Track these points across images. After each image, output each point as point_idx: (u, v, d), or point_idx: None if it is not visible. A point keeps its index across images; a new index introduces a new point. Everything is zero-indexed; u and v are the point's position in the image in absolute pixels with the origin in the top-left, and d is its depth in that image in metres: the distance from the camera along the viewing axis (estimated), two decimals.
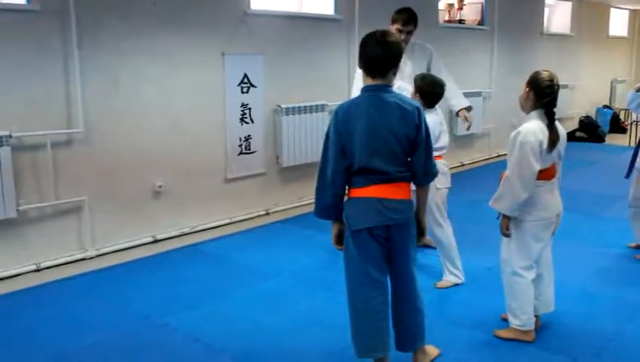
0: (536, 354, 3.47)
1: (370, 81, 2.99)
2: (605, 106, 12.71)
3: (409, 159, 3.02)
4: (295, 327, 3.85)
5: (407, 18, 5.04)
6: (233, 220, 6.11)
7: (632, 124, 11.54)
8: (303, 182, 6.79)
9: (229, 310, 4.10)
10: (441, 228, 4.44)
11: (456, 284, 4.45)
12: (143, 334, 3.76)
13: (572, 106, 11.46)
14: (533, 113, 3.46)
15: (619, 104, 13.07)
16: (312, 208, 6.42)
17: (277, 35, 6.35)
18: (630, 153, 5.24)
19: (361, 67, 3.04)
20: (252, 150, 6.24)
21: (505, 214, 3.48)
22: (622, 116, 12.86)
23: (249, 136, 6.19)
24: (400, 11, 5.08)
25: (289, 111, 6.44)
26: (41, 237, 4.80)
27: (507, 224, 3.52)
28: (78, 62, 4.79)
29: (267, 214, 6.42)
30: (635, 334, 3.72)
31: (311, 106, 6.64)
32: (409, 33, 5.08)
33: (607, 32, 13.02)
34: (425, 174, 3.06)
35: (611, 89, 13.23)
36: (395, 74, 3.01)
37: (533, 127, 3.40)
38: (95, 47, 4.92)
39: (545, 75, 3.45)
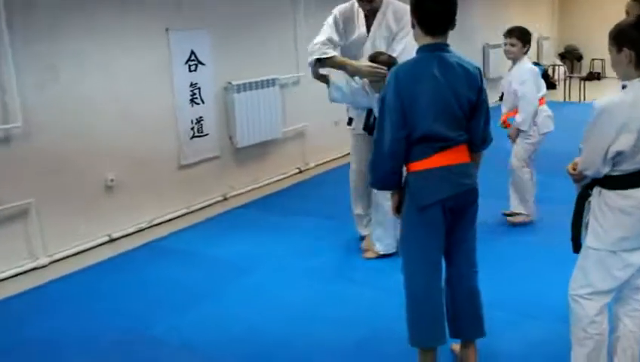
0: (560, 332, 3.26)
1: (430, 40, 2.72)
2: (534, 63, 12.84)
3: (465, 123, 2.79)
4: (295, 326, 3.52)
5: None
6: (191, 209, 5.67)
7: (565, 79, 11.76)
8: (258, 163, 6.45)
9: (217, 313, 3.72)
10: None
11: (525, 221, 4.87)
12: (131, 350, 3.32)
13: (507, 65, 11.48)
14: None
15: (546, 61, 13.28)
16: (269, 190, 6.29)
17: (222, 7, 5.87)
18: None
19: (417, 25, 2.74)
20: (204, 132, 5.78)
21: None
22: (550, 72, 13.07)
23: (200, 117, 5.73)
24: None
25: (240, 88, 6.01)
26: None
27: None
28: (9, 45, 4.19)
29: (225, 199, 6.01)
30: None
31: (262, 81, 6.23)
32: (370, 1, 4.04)
33: None
34: (483, 140, 2.87)
35: (538, 46, 13.39)
36: (452, 29, 2.74)
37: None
38: (27, 27, 4.33)
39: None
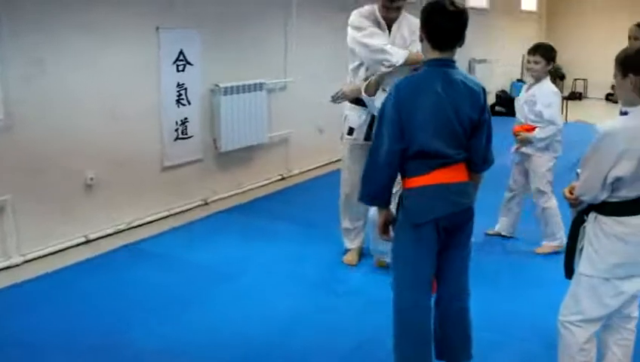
0: (546, 355, 3.23)
1: (437, 55, 2.68)
2: (519, 80, 12.93)
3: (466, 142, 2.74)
4: (286, 332, 3.47)
5: None
6: (171, 212, 5.54)
7: None
8: (242, 168, 6.35)
9: (203, 318, 3.64)
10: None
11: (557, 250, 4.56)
12: (107, 355, 3.21)
13: (492, 81, 11.54)
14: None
15: (530, 78, 13.36)
16: (252, 196, 6.19)
17: (213, 8, 5.78)
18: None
19: (425, 39, 2.70)
20: (189, 135, 5.67)
21: None
22: None
23: (185, 119, 5.61)
24: None
25: (227, 90, 5.91)
26: None
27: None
28: None
29: (206, 204, 5.90)
30: None
31: (249, 85, 6.14)
32: (398, 9, 4.04)
33: (520, 6, 13.24)
34: (484, 161, 2.81)
35: (523, 63, 13.46)
36: (460, 46, 2.71)
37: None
38: (15, 19, 4.19)
39: None
